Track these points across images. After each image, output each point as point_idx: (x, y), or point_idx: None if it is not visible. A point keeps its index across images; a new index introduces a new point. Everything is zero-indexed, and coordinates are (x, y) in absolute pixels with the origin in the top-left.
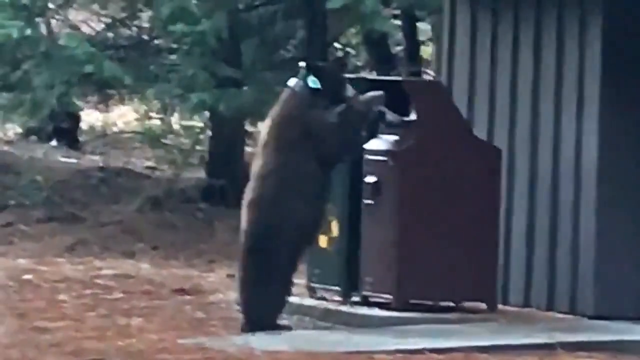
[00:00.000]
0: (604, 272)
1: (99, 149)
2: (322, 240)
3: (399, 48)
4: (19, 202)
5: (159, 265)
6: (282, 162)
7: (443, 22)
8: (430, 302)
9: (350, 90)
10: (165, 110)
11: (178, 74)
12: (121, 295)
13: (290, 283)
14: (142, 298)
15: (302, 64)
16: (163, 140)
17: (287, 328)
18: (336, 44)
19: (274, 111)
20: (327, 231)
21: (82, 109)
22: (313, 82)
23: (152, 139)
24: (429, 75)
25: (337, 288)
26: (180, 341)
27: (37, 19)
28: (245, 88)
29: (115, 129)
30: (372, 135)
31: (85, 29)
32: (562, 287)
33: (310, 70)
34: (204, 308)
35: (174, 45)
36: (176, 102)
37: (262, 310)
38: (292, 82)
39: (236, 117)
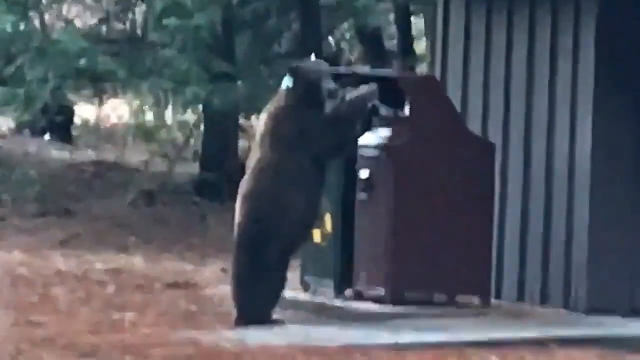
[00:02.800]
0: (597, 267)
1: (93, 143)
2: (316, 235)
3: (392, 42)
4: (12, 196)
5: (152, 260)
6: (277, 157)
7: (437, 16)
8: (423, 297)
9: (330, 86)
10: (159, 104)
11: (172, 68)
12: (114, 289)
13: (283, 277)
14: (136, 292)
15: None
16: (156, 135)
17: (281, 322)
18: (330, 39)
19: (270, 106)
20: (321, 226)
21: (75, 103)
22: (288, 81)
23: (145, 133)
24: (422, 69)
25: (331, 282)
26: (173, 335)
27: (31, 13)
28: (239, 82)
29: (108, 123)
30: (366, 129)
31: (78, 23)
32: (556, 282)
33: (288, 70)
34: (197, 302)
35: (168, 40)
36: (170, 97)
37: (256, 304)
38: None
39: (230, 111)
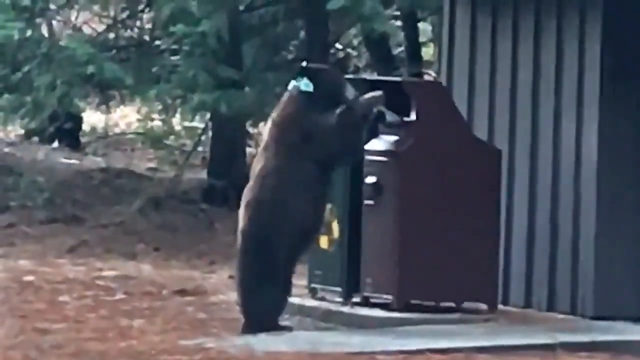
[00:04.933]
0: (604, 272)
1: (101, 150)
2: (323, 241)
3: (400, 49)
4: (21, 204)
5: (160, 266)
6: (282, 164)
7: (443, 22)
8: (430, 303)
9: (351, 92)
10: (167, 111)
11: (179, 74)
12: (122, 296)
13: (289, 283)
14: (144, 299)
15: (301, 66)
16: (164, 141)
17: (288, 329)
18: (337, 45)
19: (275, 113)
20: (328, 232)
21: (83, 110)
22: (305, 85)
23: (153, 140)
24: (429, 75)
25: (338, 289)
26: (181, 342)
27: (38, 20)
28: (246, 89)
29: (116, 130)
30: (372, 135)
31: (86, 30)
32: (563, 288)
33: (303, 73)
34: (205, 309)
35: (175, 46)
36: (177, 103)
37: (263, 311)
38: (293, 84)
39: (237, 118)
